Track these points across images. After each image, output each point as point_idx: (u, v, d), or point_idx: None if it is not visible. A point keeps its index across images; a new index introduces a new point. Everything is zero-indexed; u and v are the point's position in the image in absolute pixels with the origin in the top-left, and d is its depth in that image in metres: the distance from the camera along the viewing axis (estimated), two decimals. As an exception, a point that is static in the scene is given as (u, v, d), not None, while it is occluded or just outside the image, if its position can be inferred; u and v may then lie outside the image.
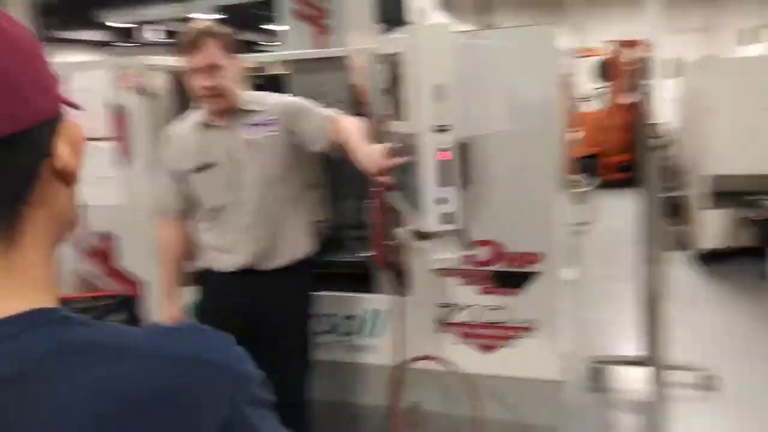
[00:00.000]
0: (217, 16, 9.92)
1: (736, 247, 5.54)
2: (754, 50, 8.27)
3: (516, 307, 2.38)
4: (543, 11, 13.49)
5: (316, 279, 2.46)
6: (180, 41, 2.20)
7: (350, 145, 2.14)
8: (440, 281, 2.42)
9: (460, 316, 2.45)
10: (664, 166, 3.33)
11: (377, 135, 2.23)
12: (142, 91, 2.81)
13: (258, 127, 2.24)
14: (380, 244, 2.45)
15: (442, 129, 1.82)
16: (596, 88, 9.86)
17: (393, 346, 2.45)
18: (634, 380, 3.40)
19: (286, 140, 2.26)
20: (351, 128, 2.19)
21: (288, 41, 2.90)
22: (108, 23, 14.26)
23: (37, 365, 0.52)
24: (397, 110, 2.18)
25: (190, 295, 2.42)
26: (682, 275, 5.27)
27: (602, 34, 10.26)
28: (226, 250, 2.28)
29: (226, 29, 2.21)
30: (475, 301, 2.42)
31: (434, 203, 1.85)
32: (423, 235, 1.95)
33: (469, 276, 2.40)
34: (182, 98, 2.61)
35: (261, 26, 13.06)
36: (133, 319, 2.66)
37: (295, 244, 2.33)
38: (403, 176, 2.02)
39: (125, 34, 14.94)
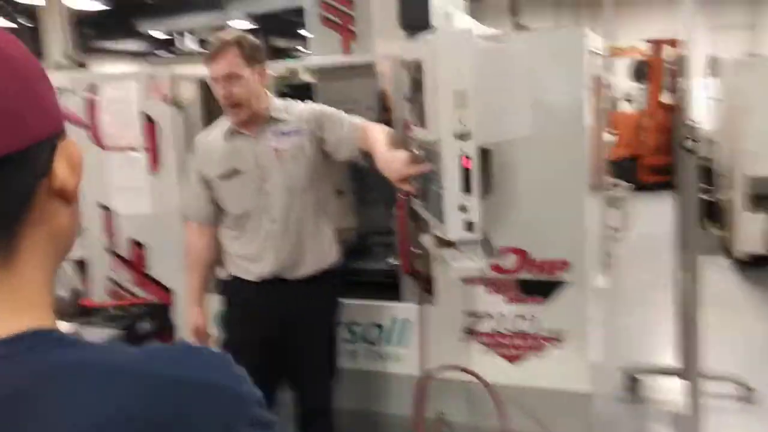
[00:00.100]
0: (252, 25, 10.03)
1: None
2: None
3: (544, 317, 2.33)
4: (578, 11, 13.30)
5: (343, 287, 2.45)
6: (206, 51, 2.23)
7: (375, 152, 2.13)
8: (466, 290, 2.39)
9: (487, 326, 2.42)
10: (701, 168, 3.24)
11: (402, 142, 2.22)
12: (172, 101, 2.86)
13: (285, 135, 2.25)
14: (406, 252, 2.44)
15: (463, 136, 1.79)
16: (633, 89, 9.67)
17: (419, 355, 2.43)
18: (670, 391, 3.30)
19: (313, 148, 2.26)
20: (377, 135, 2.18)
21: (315, 48, 2.91)
22: (149, 33, 14.60)
23: (29, 387, 0.52)
24: (420, 117, 2.17)
25: (216, 303, 2.44)
26: (720, 281, 5.10)
27: (640, 33, 10.04)
28: (253, 259, 2.28)
29: (251, 39, 2.22)
30: (501, 310, 2.38)
31: (456, 210, 1.83)
32: (446, 243, 1.93)
33: (494, 284, 2.37)
34: (212, 107, 2.63)
35: (298, 32, 13.09)
36: (164, 327, 2.69)
37: (322, 252, 2.31)
38: (426, 184, 2.00)
39: (166, 44, 15.22)
